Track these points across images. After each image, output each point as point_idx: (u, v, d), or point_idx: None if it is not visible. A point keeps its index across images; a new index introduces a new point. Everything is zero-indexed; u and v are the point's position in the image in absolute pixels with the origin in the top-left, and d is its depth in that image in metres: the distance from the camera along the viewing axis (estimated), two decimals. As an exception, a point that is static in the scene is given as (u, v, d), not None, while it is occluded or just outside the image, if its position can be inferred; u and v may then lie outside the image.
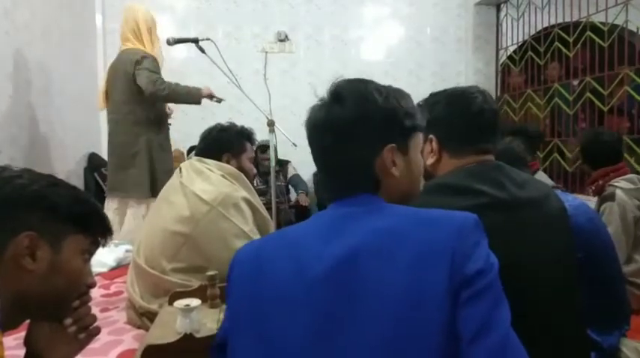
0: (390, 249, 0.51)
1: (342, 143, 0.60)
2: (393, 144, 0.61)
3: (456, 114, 0.78)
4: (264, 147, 3.00)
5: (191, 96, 2.18)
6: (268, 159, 3.02)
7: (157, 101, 2.21)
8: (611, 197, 1.73)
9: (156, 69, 2.16)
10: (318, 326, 0.51)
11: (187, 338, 0.93)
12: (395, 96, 0.63)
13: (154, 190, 2.18)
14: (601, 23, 2.81)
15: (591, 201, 1.85)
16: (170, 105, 2.42)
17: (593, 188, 1.86)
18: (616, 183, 1.76)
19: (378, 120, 0.60)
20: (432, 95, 0.83)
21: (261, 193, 3.00)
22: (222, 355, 0.60)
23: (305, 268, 0.54)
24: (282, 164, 3.37)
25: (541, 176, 2.24)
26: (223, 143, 1.59)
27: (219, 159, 1.56)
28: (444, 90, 0.84)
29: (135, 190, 2.23)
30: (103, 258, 2.17)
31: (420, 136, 0.67)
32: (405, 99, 0.64)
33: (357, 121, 0.60)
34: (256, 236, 1.46)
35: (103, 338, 1.39)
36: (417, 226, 0.53)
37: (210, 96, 2.24)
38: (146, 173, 2.19)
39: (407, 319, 0.48)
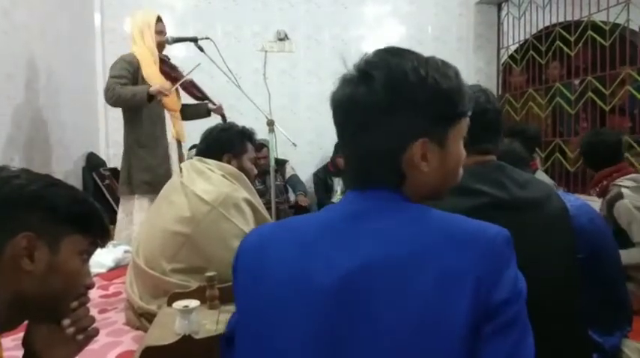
0: (408, 267, 0.46)
1: (365, 130, 0.52)
2: (426, 139, 0.51)
3: None
4: (260, 146, 2.99)
5: (137, 98, 2.09)
6: (265, 158, 3.02)
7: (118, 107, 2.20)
8: (620, 196, 1.74)
9: (119, 71, 2.11)
10: (320, 338, 0.47)
11: (186, 340, 0.93)
12: (436, 76, 0.52)
13: (131, 188, 2.20)
14: (602, 22, 2.80)
15: (594, 202, 1.84)
16: (217, 100, 2.43)
17: (597, 189, 1.85)
18: (620, 183, 1.76)
19: (411, 107, 0.51)
20: None
21: (259, 194, 2.99)
22: (231, 346, 0.58)
23: (312, 274, 0.49)
24: (280, 163, 3.37)
25: (541, 175, 2.24)
26: (224, 143, 1.59)
27: (219, 160, 1.56)
28: None
29: (120, 189, 2.29)
30: (102, 258, 2.16)
31: (465, 122, 0.57)
32: (450, 79, 0.53)
33: (385, 107, 0.51)
34: (256, 237, 1.45)
35: (101, 339, 1.38)
36: (440, 242, 0.47)
37: (160, 93, 2.10)
38: (124, 172, 2.23)
39: (421, 345, 0.44)
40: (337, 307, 0.48)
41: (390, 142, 0.52)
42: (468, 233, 0.48)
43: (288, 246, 0.53)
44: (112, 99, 2.10)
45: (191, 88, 2.42)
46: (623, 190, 1.73)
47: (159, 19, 2.26)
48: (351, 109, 0.53)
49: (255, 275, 0.54)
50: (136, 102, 2.10)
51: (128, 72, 2.13)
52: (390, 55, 0.53)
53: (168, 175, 2.17)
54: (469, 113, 0.57)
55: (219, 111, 2.45)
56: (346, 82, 0.54)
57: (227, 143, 1.58)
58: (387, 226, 0.50)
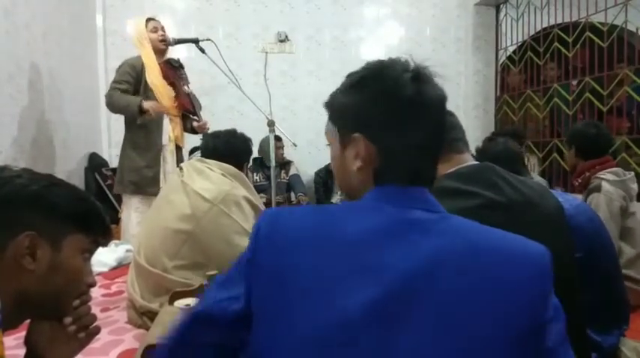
0: (467, 274, 0.47)
1: (440, 125, 0.56)
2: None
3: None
4: (278, 138, 2.99)
5: (128, 109, 2.11)
6: (282, 148, 3.22)
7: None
8: (597, 188, 1.74)
9: (120, 76, 2.14)
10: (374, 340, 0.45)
11: (187, 338, 0.93)
12: None
13: (122, 187, 2.23)
14: (600, 23, 2.81)
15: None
16: (205, 116, 2.41)
17: (580, 180, 1.86)
18: (602, 176, 1.77)
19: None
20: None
21: (262, 189, 3.02)
22: (205, 327, 0.52)
23: (369, 276, 0.47)
24: (286, 162, 3.41)
25: (535, 178, 2.25)
26: (246, 153, 1.65)
27: (240, 168, 1.58)
28: None
29: (115, 187, 2.32)
30: (104, 257, 2.17)
31: None
32: None
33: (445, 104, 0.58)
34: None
35: (103, 337, 1.38)
36: (494, 256, 0.48)
37: (149, 114, 2.10)
38: (118, 171, 2.26)
39: (475, 354, 0.45)
40: (398, 311, 0.46)
41: (442, 137, 0.57)
42: (518, 249, 0.50)
43: (335, 248, 0.49)
44: (109, 106, 2.17)
45: (184, 98, 2.32)
46: (603, 183, 1.74)
47: (149, 20, 2.23)
48: (441, 105, 0.56)
49: (279, 275, 0.49)
50: (127, 112, 2.15)
51: (130, 76, 2.14)
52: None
53: (156, 178, 2.19)
54: None
55: (202, 129, 2.37)
56: (416, 80, 0.53)
57: (247, 154, 1.65)
58: (439, 233, 0.50)
